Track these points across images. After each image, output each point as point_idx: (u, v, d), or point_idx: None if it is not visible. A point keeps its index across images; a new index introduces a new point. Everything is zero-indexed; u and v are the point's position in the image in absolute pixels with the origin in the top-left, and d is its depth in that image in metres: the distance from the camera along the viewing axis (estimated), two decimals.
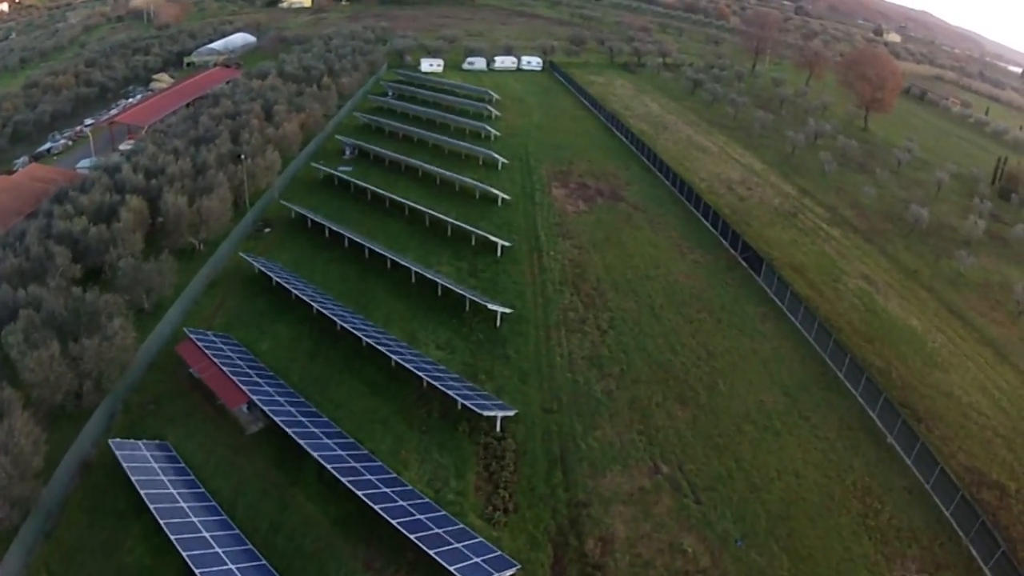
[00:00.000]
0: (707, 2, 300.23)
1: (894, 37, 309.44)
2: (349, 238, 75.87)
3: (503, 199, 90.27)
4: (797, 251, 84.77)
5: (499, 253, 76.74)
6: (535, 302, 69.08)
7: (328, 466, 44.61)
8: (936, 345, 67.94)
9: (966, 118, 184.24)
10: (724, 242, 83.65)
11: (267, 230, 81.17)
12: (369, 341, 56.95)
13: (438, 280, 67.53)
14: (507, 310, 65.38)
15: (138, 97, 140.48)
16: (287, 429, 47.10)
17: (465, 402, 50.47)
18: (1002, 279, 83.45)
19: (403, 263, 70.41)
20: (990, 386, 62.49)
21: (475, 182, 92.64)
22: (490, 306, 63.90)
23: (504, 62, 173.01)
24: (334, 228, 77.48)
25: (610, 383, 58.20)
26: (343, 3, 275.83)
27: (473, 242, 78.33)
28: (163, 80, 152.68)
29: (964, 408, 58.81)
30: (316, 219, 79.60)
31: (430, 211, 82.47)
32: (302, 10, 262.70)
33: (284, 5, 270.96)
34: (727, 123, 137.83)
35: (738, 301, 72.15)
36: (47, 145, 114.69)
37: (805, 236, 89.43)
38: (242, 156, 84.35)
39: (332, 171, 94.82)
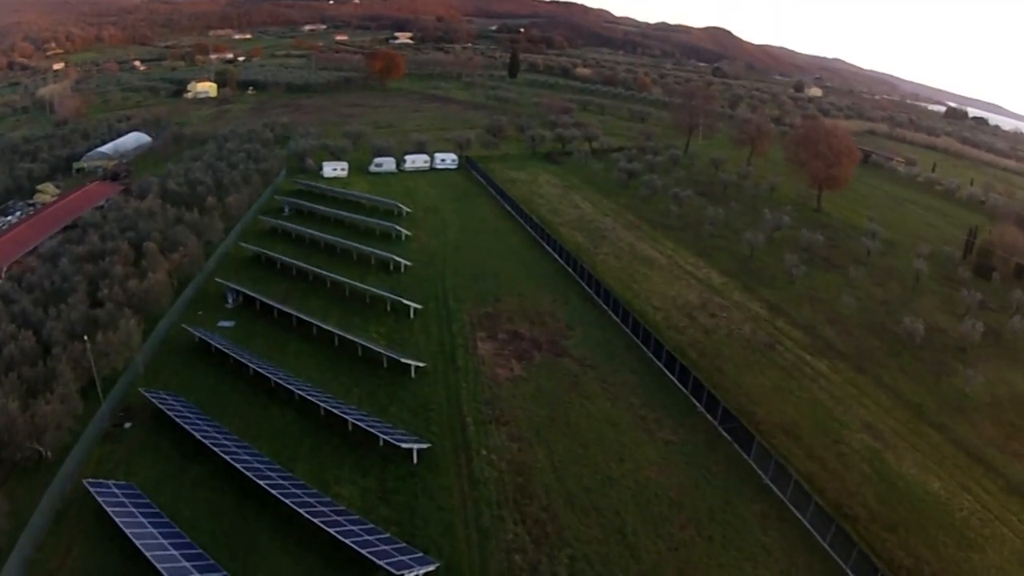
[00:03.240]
0: (625, 73, 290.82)
1: (815, 91, 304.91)
2: (223, 456, 57.09)
3: (417, 367, 72.41)
4: (785, 403, 69.35)
5: (415, 459, 58.82)
6: (467, 541, 50.98)
7: None
8: (964, 513, 57.20)
9: (914, 178, 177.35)
10: (698, 405, 67.24)
11: (127, 425, 63.21)
12: None
13: (335, 533, 48.64)
14: (430, 568, 47.35)
15: (17, 214, 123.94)
16: None
17: None
18: (1009, 391, 75.89)
19: (287, 501, 51.57)
20: None
21: (381, 349, 74.28)
22: (408, 574, 45.81)
23: (415, 162, 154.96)
24: (204, 441, 58.61)
25: None
26: (250, 91, 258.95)
27: (381, 444, 59.93)
28: (47, 192, 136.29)
29: None
30: (183, 423, 60.90)
31: (324, 404, 64.09)
32: (206, 101, 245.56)
33: (189, 96, 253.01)
34: (672, 222, 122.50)
35: (729, 501, 55.89)
36: None
37: (790, 378, 74.00)
38: (85, 338, 66.24)
39: (207, 338, 76.17)
